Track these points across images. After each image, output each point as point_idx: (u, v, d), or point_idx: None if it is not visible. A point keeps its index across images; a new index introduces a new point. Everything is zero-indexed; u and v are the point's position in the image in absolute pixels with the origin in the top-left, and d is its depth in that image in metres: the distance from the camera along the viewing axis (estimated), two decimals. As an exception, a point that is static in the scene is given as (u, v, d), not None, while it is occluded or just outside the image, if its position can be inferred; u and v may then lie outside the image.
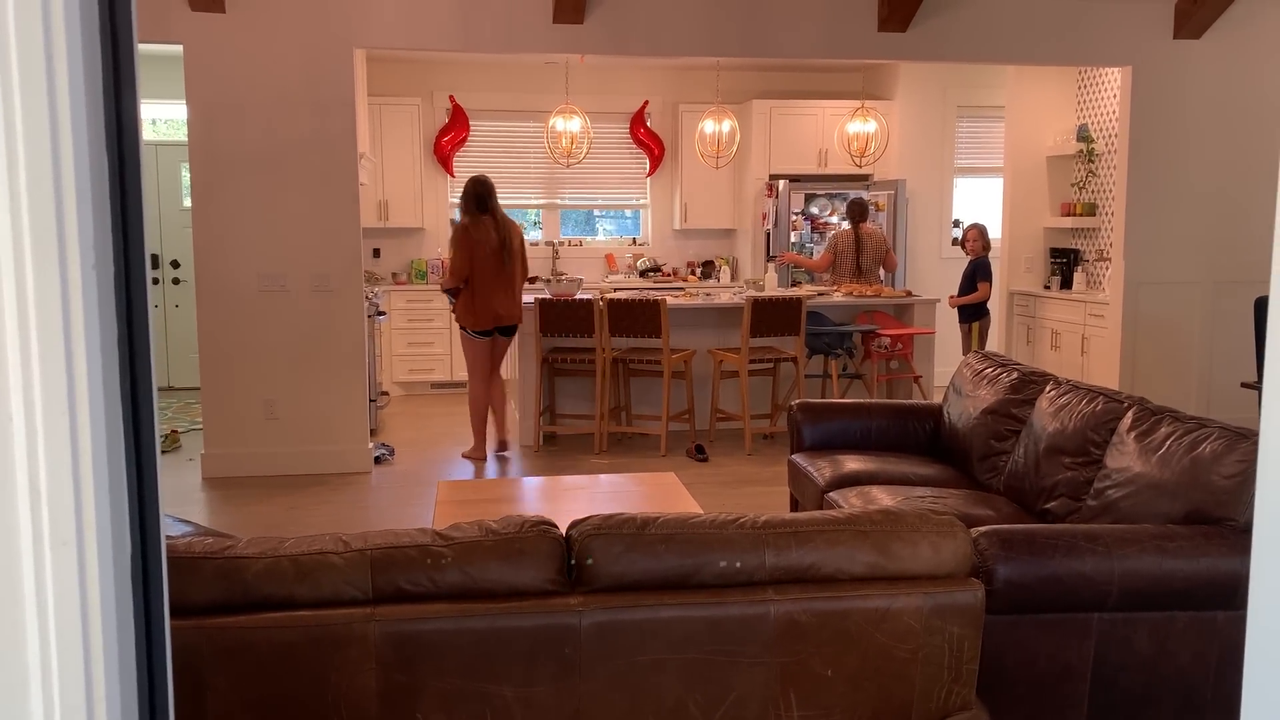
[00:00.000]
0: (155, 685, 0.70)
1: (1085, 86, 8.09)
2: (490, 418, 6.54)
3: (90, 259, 0.64)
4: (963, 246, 8.10)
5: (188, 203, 8.42)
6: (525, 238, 6.59)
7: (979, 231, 7.93)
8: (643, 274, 9.41)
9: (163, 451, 6.77)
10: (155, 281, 8.95)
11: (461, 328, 6.38)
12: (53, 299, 0.63)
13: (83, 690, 0.65)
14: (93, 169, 0.66)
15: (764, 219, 8.98)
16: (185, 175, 8.65)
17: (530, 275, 9.23)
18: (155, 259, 8.99)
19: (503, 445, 6.66)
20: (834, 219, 9.04)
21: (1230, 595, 2.74)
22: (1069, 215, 8.08)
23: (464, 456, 6.53)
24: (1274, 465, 0.95)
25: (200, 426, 6.39)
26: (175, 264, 9.06)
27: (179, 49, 5.82)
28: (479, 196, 6.20)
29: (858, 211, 8.04)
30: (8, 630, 0.64)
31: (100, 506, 0.67)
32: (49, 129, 0.64)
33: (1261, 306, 5.63)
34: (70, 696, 0.65)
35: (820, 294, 7.45)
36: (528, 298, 6.73)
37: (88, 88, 0.67)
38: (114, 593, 0.68)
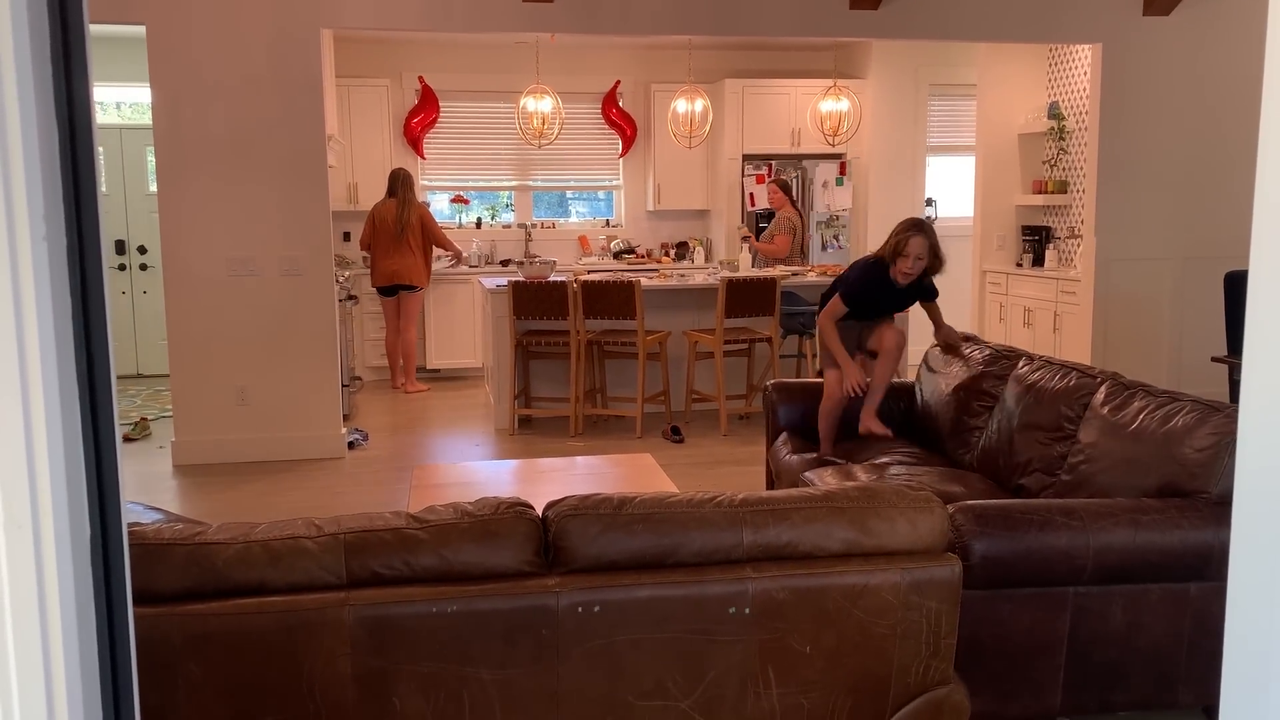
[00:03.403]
0: (118, 670, 0.68)
1: (1056, 64, 8.11)
2: (401, 362, 8.17)
3: (40, 230, 0.61)
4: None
5: (154, 187, 8.30)
6: (428, 218, 8.03)
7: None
8: (616, 255, 9.37)
9: (133, 439, 6.69)
10: (122, 268, 8.83)
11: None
12: (0, 270, 0.60)
13: (41, 674, 0.63)
14: (41, 141, 0.63)
15: (751, 200, 8.95)
16: (151, 159, 8.52)
17: (504, 258, 9.20)
18: (122, 244, 8.86)
19: (409, 386, 8.20)
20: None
21: (1203, 567, 2.77)
22: (1040, 193, 8.11)
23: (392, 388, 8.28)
24: (1253, 434, 0.94)
25: (170, 414, 6.32)
26: (142, 249, 8.94)
27: (141, 30, 5.72)
28: (390, 183, 7.88)
29: (790, 191, 8.11)
30: (-39, 617, 0.62)
31: (56, 488, 0.64)
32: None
33: (1231, 281, 5.67)
34: (28, 681, 0.63)
35: (794, 274, 7.45)
36: (500, 280, 6.99)
37: (35, 60, 0.64)
38: (73, 576, 0.66)
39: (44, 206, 0.63)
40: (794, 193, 8.17)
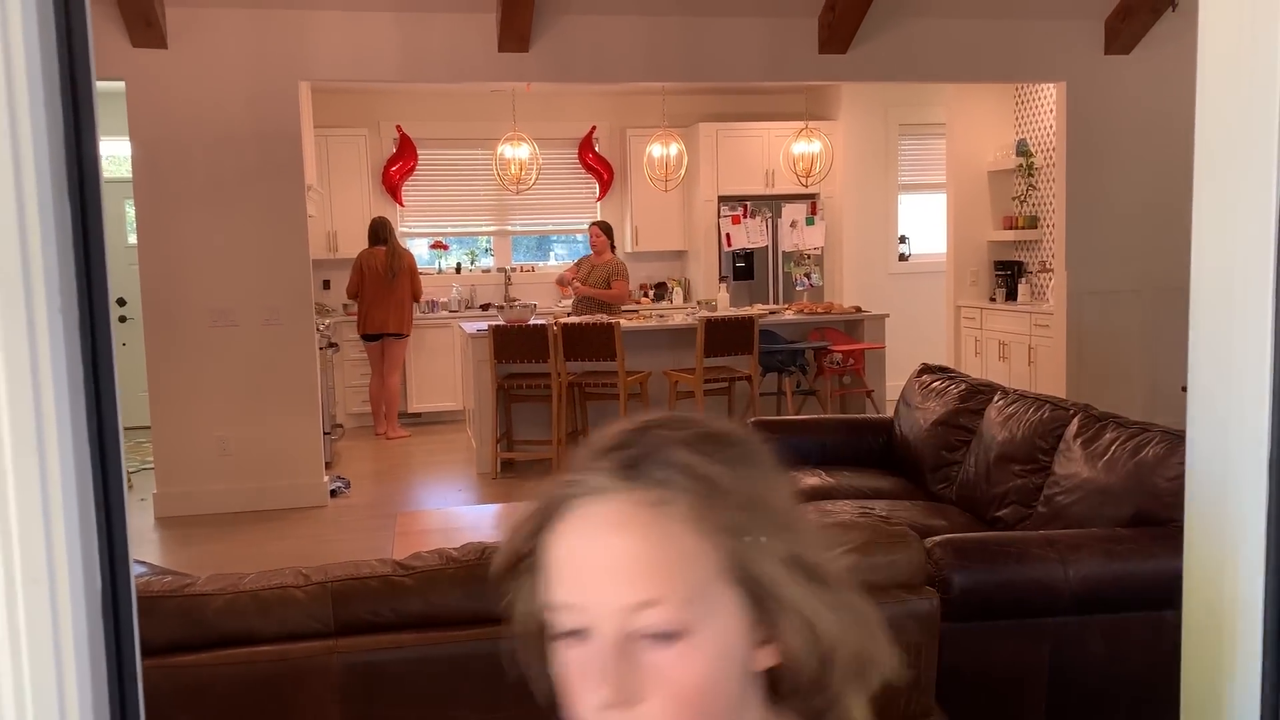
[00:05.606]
0: (127, 715, 0.71)
1: (1022, 102, 8.28)
2: (384, 409, 8.16)
3: (56, 303, 0.66)
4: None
5: (132, 239, 8.32)
6: (414, 266, 8.10)
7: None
8: (595, 298, 9.44)
9: (113, 492, 6.65)
10: (101, 320, 8.82)
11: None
12: (20, 342, 0.64)
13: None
14: (56, 213, 0.67)
15: (727, 240, 9.07)
16: (130, 211, 8.54)
17: (484, 303, 9.24)
18: (100, 297, 8.86)
19: (390, 432, 8.24)
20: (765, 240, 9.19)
21: (1178, 594, 2.82)
22: (1011, 228, 8.24)
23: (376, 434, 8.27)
24: (1202, 461, 0.99)
25: (151, 466, 6.30)
26: (121, 301, 8.93)
27: (120, 85, 5.77)
28: (373, 232, 7.93)
29: (612, 234, 8.05)
30: (-18, 669, 0.65)
31: (71, 544, 0.68)
32: (13, 174, 0.65)
33: (1198, 312, 5.78)
34: (45, 731, 0.66)
35: (771, 313, 7.53)
36: (481, 325, 7.06)
37: (50, 133, 0.69)
38: (86, 630, 0.69)
39: (59, 280, 0.67)
40: (767, 232, 8.22)
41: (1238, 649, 0.92)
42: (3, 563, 0.66)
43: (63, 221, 0.68)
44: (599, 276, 7.78)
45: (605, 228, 7.94)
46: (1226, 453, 0.88)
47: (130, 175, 5.92)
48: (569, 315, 7.52)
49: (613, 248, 7.95)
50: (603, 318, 6.96)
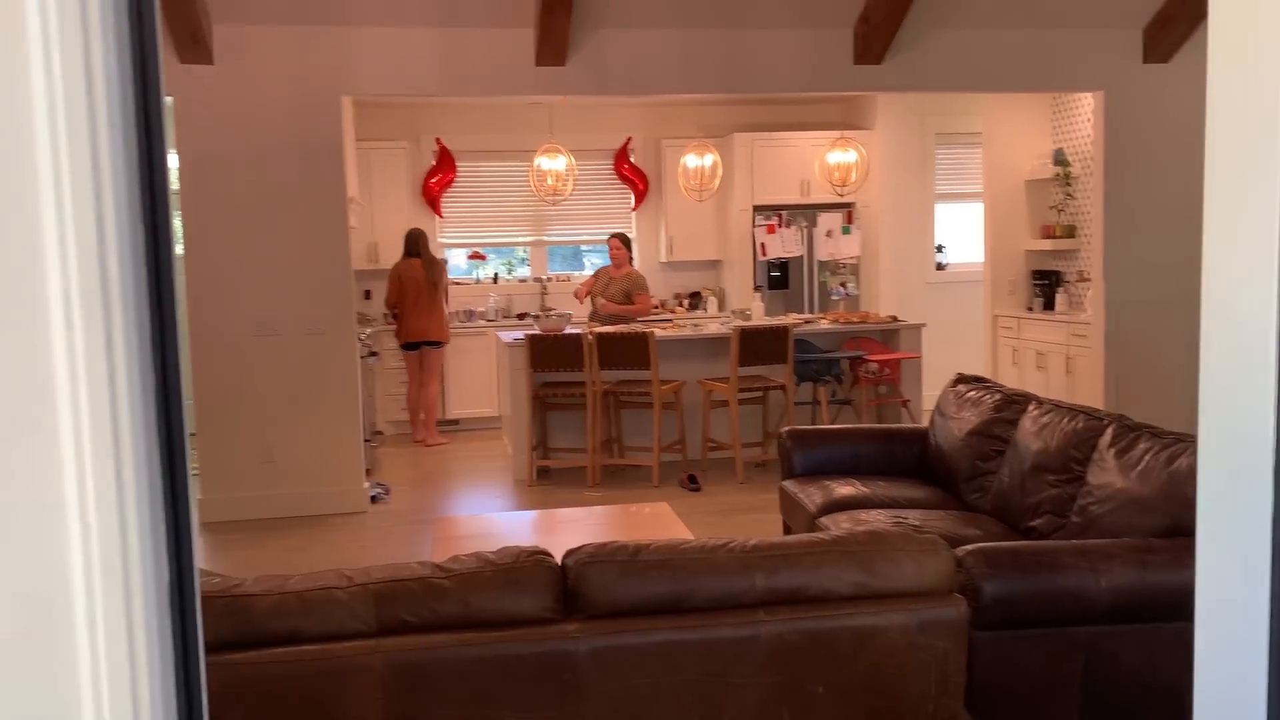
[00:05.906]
0: (192, 702, 0.77)
1: (1060, 111, 8.25)
2: (422, 416, 8.32)
3: (131, 317, 0.72)
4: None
5: (179, 250, 8.50)
6: (448, 274, 8.44)
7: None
8: (631, 307, 9.49)
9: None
10: (148, 329, 9.00)
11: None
12: (99, 354, 0.70)
13: (130, 707, 0.72)
14: (131, 233, 0.74)
15: (762, 250, 9.10)
16: (176, 223, 8.73)
17: (520, 312, 9.35)
18: (147, 306, 9.05)
19: (429, 439, 8.35)
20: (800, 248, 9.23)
21: (1211, 604, 2.81)
22: (1049, 238, 8.20)
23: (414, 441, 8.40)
24: (1213, 476, 1.03)
25: (197, 472, 6.43)
26: (167, 311, 9.12)
27: (169, 101, 5.92)
28: (409, 244, 8.08)
29: (630, 246, 8.03)
30: (62, 651, 0.71)
31: (142, 538, 0.74)
32: (93, 196, 0.72)
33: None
34: (119, 713, 0.72)
35: (806, 322, 7.55)
36: (518, 334, 7.17)
37: (126, 160, 0.75)
38: (155, 618, 0.75)
39: (134, 295, 0.73)
40: (803, 242, 8.25)
41: (1245, 656, 0.96)
42: (82, 556, 0.72)
43: (136, 241, 0.74)
44: (619, 289, 7.84)
45: (625, 240, 8.02)
46: (1233, 460, 0.92)
47: (177, 188, 6.07)
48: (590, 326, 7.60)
49: (631, 260, 8.02)
50: (636, 327, 7.02)
